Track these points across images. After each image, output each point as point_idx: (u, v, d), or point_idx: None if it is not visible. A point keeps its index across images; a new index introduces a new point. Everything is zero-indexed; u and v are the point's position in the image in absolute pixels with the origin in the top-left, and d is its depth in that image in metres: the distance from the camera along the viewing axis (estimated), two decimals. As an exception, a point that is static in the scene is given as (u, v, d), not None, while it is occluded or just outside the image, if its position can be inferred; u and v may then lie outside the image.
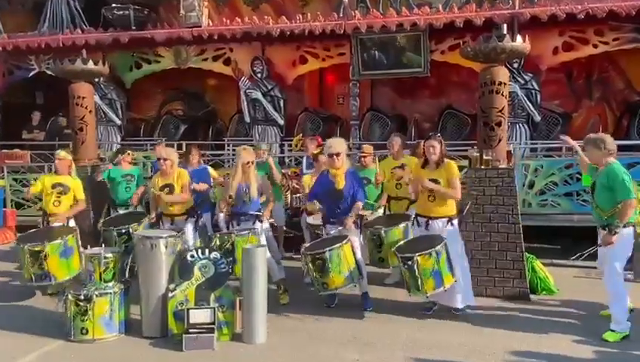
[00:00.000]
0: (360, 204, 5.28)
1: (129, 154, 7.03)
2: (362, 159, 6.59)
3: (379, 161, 6.35)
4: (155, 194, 5.71)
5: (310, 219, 6.25)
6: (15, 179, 9.56)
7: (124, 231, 5.70)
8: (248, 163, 5.53)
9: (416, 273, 4.66)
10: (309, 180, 6.25)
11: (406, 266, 4.72)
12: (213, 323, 4.44)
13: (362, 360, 4.21)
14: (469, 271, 5.15)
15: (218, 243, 5.17)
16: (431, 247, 4.70)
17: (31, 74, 10.92)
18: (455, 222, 5.09)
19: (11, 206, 9.42)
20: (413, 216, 5.25)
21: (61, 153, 6.22)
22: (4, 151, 10.16)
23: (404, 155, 6.29)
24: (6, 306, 5.54)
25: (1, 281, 6.51)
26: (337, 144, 5.31)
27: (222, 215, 5.89)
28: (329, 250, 4.85)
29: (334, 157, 5.21)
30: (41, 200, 6.22)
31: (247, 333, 4.54)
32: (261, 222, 5.60)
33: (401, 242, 5.07)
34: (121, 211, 6.64)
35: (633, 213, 4.51)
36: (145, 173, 8.41)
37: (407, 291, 4.89)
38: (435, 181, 4.99)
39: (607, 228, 4.51)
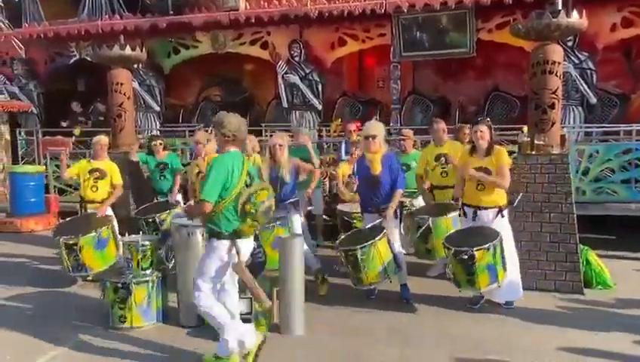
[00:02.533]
0: (400, 192, 5.02)
1: (159, 144, 6.88)
2: (402, 143, 6.37)
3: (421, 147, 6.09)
4: (191, 181, 5.62)
5: (340, 206, 6.06)
6: (57, 166, 9.72)
7: (150, 219, 5.68)
8: (275, 145, 5.29)
9: (472, 268, 4.39)
10: (345, 169, 6.04)
11: (459, 259, 4.45)
12: (250, 313, 4.35)
13: (403, 355, 4.02)
14: (518, 265, 4.86)
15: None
16: (488, 241, 4.43)
17: (72, 61, 11.10)
18: (505, 212, 4.79)
19: (54, 192, 9.63)
20: (460, 205, 4.97)
21: (102, 138, 6.21)
22: (46, 138, 10.39)
23: (448, 140, 5.97)
24: (47, 292, 5.60)
25: (43, 267, 6.61)
26: (374, 126, 5.07)
27: None
28: (361, 248, 4.64)
29: (370, 139, 4.98)
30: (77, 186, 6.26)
31: (285, 325, 4.42)
32: (296, 211, 5.38)
33: (450, 233, 4.81)
34: (161, 199, 6.60)
35: None
36: (184, 160, 8.41)
37: (457, 286, 4.63)
38: (484, 169, 4.70)
39: None
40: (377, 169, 4.96)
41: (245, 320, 4.28)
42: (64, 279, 5.73)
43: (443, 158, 5.75)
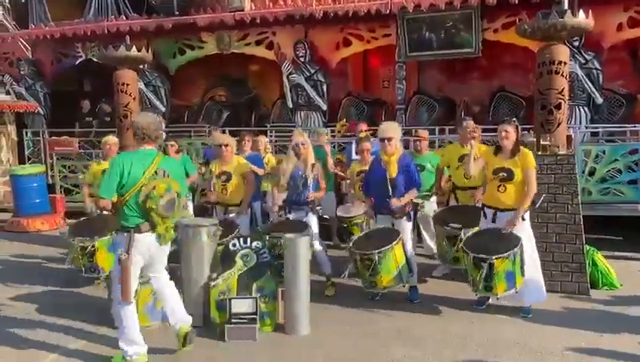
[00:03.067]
0: (415, 192, 4.94)
1: (172, 145, 6.93)
2: (417, 143, 6.26)
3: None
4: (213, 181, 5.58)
5: (340, 211, 5.97)
6: (64, 166, 9.78)
7: None
8: (298, 144, 5.23)
9: (491, 275, 4.33)
10: (356, 168, 6.01)
11: (478, 267, 4.38)
12: (255, 314, 4.35)
13: (409, 356, 4.01)
14: (539, 266, 4.77)
15: (268, 245, 4.88)
16: (508, 248, 4.35)
17: (78, 61, 11.15)
18: (527, 216, 4.67)
19: (60, 192, 9.67)
20: (481, 206, 4.87)
21: (110, 138, 6.21)
22: (53, 138, 10.44)
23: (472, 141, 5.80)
24: (53, 291, 5.63)
25: (49, 267, 6.64)
26: (390, 128, 4.94)
27: (269, 203, 5.71)
28: (378, 253, 4.58)
29: (385, 142, 4.87)
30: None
31: (290, 324, 4.43)
32: (314, 213, 5.33)
33: (468, 235, 4.71)
34: None
35: None
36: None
37: (474, 290, 4.58)
38: (506, 170, 4.58)
39: None
40: (393, 172, 4.86)
41: (251, 320, 4.31)
42: (70, 279, 5.76)
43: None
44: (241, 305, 4.35)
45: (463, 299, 5.01)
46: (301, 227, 5.01)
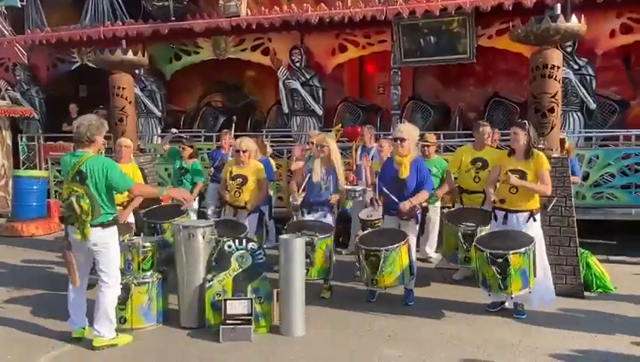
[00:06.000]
0: (425, 193, 4.93)
1: (184, 148, 6.96)
2: (425, 149, 6.30)
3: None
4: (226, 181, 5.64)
5: (362, 214, 5.94)
6: (59, 171, 9.74)
7: (153, 225, 5.67)
8: (317, 146, 5.36)
9: (507, 272, 4.32)
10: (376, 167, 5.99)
11: (493, 263, 4.37)
12: (251, 315, 4.35)
13: (404, 356, 4.01)
14: (549, 269, 4.79)
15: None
16: (523, 245, 4.36)
17: (74, 67, 11.15)
18: (538, 217, 4.68)
19: (55, 197, 9.64)
20: (491, 209, 4.87)
21: (121, 140, 6.17)
22: (48, 143, 10.41)
23: (487, 146, 5.75)
24: (48, 294, 5.59)
25: (44, 271, 6.61)
26: (404, 130, 4.96)
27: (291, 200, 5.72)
28: (385, 250, 4.60)
29: (398, 142, 4.89)
30: None
31: (285, 326, 4.42)
32: (332, 214, 5.40)
33: (481, 235, 4.72)
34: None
35: None
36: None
37: (486, 290, 4.56)
38: (519, 171, 4.59)
39: None
40: (405, 173, 4.86)
41: (246, 321, 4.31)
42: (65, 282, 5.71)
43: (480, 163, 5.56)
44: (236, 307, 4.36)
45: (459, 301, 5.02)
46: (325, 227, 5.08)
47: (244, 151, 5.57)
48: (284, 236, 4.55)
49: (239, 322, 4.31)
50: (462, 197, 5.78)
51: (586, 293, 5.27)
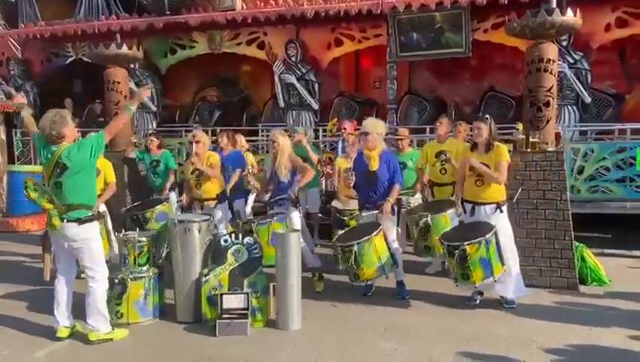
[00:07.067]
0: (397, 188, 5.06)
1: (152, 141, 6.89)
2: (399, 142, 6.43)
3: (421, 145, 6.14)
4: (187, 178, 5.69)
5: (335, 203, 6.10)
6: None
7: (135, 217, 5.70)
8: (272, 143, 5.51)
9: (465, 263, 4.41)
10: (342, 163, 6.10)
11: (452, 255, 4.47)
12: (247, 309, 4.35)
13: (400, 350, 4.02)
14: (517, 260, 4.86)
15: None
16: (480, 236, 4.44)
17: (68, 61, 11.10)
18: (504, 208, 4.78)
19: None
20: (459, 201, 4.97)
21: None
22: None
23: (450, 138, 6.00)
24: (43, 289, 5.56)
25: (39, 265, 6.57)
26: (368, 124, 5.08)
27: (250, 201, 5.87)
28: (357, 243, 4.66)
29: (363, 136, 5.03)
30: None
31: (282, 320, 4.43)
32: (296, 207, 5.48)
33: (447, 229, 4.83)
34: (156, 196, 6.59)
35: None
36: (181, 159, 8.41)
37: (454, 281, 4.65)
38: (484, 165, 4.69)
39: None
40: (375, 165, 4.98)
41: (242, 315, 4.32)
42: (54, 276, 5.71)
43: (443, 155, 5.78)
44: (233, 301, 4.36)
45: (454, 294, 5.03)
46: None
47: (197, 142, 5.68)
48: (279, 231, 4.55)
49: (235, 316, 4.31)
50: (433, 190, 5.95)
51: (580, 287, 5.29)
